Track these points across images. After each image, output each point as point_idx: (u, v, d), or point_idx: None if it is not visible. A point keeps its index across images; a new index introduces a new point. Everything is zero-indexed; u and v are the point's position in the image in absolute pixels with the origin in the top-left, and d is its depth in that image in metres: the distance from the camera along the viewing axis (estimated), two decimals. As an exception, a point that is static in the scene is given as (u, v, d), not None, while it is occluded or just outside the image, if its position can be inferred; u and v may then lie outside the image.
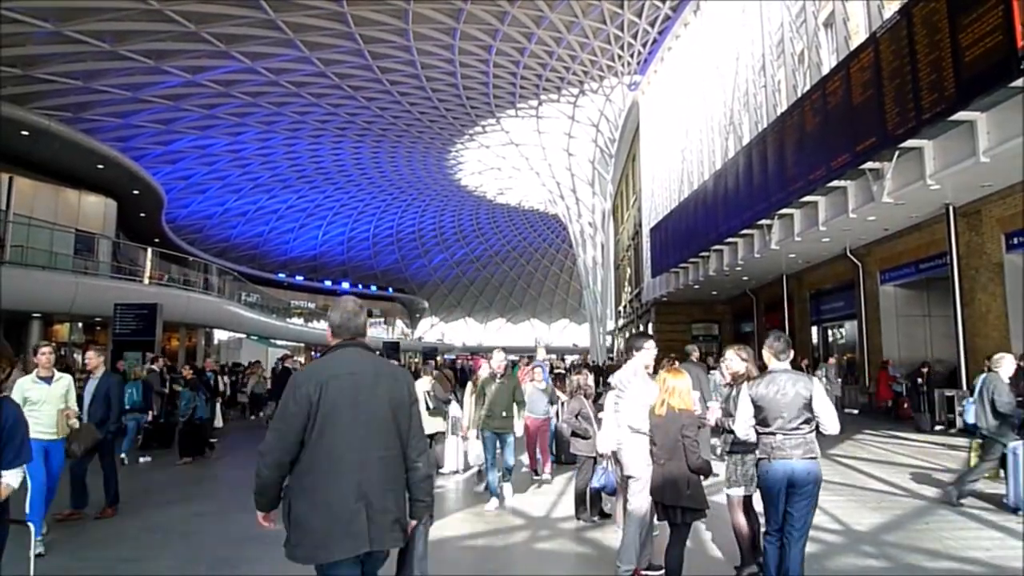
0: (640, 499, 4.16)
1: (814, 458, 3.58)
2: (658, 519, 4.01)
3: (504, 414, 6.45)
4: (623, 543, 4.16)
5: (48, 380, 5.38)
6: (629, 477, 4.28)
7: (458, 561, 4.94)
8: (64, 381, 5.47)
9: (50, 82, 20.43)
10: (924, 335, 14.42)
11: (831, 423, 3.64)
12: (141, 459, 9.76)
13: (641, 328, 29.68)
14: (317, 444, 2.41)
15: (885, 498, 6.43)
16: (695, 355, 8.31)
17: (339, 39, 23.10)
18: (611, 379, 4.74)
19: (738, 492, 4.20)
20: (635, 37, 25.43)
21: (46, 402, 5.28)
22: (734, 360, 4.44)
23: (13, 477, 2.95)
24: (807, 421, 3.60)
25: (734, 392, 4.33)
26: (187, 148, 31.07)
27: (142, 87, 23.41)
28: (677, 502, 3.74)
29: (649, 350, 4.53)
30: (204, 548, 5.24)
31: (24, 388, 5.23)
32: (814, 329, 18.68)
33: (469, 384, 8.33)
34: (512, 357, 8.38)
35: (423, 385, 8.53)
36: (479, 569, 4.76)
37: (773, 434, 3.62)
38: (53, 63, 19.83)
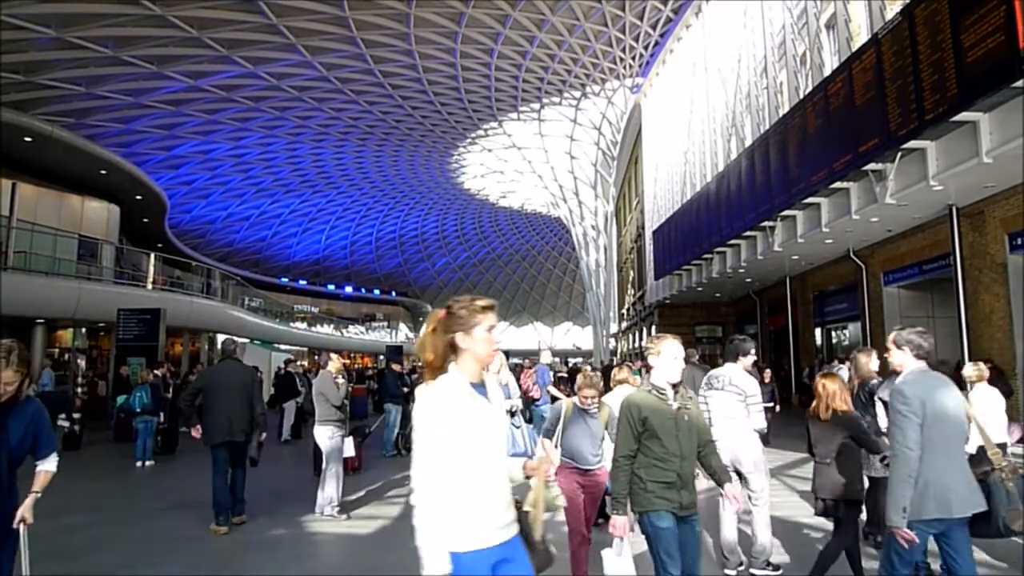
0: (766, 496, 4.56)
1: None
2: (817, 514, 4.25)
3: (696, 473, 3.28)
4: (759, 539, 4.47)
5: (483, 389, 2.15)
6: (746, 474, 4.57)
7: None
8: (499, 395, 2.26)
9: (52, 88, 20.49)
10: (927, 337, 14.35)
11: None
12: (140, 463, 9.77)
13: (646, 331, 29.66)
14: (210, 399, 6.07)
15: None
16: (695, 358, 8.35)
17: (341, 44, 23.15)
18: (720, 380, 4.81)
19: None
20: (637, 40, 25.45)
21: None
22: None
23: (51, 463, 3.14)
24: None
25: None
26: (189, 153, 31.12)
27: (144, 92, 23.47)
28: (836, 496, 3.98)
29: (752, 354, 4.83)
30: (207, 554, 5.23)
31: (453, 407, 2.04)
32: (818, 331, 18.61)
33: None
34: (516, 360, 7.55)
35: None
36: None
37: None
38: (55, 69, 19.90)
